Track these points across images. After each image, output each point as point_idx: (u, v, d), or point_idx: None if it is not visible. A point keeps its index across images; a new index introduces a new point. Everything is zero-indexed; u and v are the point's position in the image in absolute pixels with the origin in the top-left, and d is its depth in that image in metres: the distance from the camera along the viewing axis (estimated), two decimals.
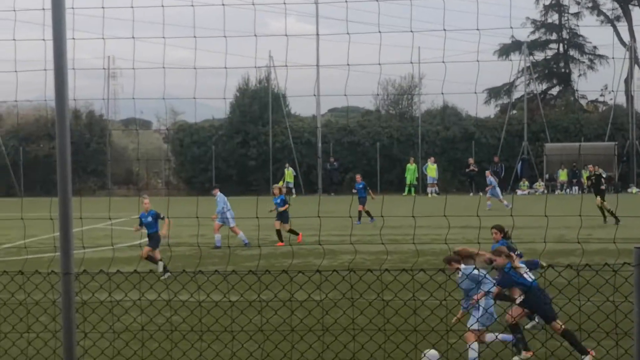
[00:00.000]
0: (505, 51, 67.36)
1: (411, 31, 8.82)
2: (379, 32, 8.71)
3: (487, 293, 11.43)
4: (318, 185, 58.64)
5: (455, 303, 9.48)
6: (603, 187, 33.20)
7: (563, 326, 11.68)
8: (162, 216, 21.46)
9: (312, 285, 9.51)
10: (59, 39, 7.35)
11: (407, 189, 56.56)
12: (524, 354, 12.02)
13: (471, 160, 56.04)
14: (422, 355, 11.38)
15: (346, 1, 8.62)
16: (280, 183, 56.04)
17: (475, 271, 11.55)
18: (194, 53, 8.94)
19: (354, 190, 35.28)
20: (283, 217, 27.75)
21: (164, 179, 63.69)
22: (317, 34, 61.79)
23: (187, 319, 10.20)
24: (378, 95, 62.90)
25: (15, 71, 9.40)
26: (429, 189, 55.86)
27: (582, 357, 11.71)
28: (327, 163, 58.91)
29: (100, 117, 64.54)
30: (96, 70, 60.66)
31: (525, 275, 12.16)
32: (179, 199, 53.86)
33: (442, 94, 66.25)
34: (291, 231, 27.23)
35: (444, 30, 8.72)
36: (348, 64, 9.44)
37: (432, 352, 11.47)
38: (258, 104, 60.33)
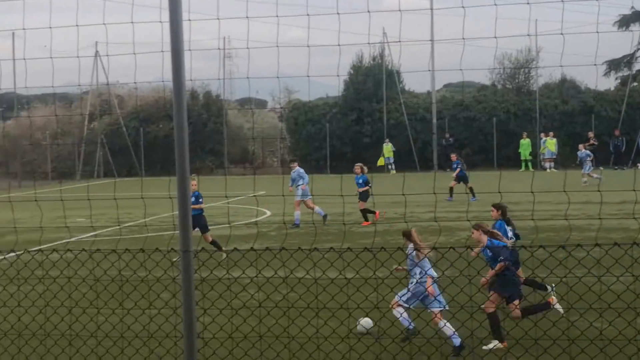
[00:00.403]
0: (625, 22, 65.26)
1: (527, 3, 8.62)
2: (495, 4, 8.54)
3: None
4: (433, 162, 58.21)
5: (576, 280, 9.27)
6: None
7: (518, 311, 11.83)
8: (201, 200, 20.62)
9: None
10: (175, 21, 7.45)
11: (523, 164, 55.65)
12: (497, 343, 11.71)
13: (591, 134, 54.63)
14: (357, 323, 11.75)
15: None
16: (381, 159, 55.84)
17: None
18: (307, 32, 8.94)
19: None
20: (363, 196, 27.45)
21: (279, 158, 64.24)
22: (432, 8, 61.23)
23: (304, 296, 10.27)
24: (495, 69, 61.90)
25: (134, 53, 9.58)
26: (547, 164, 54.82)
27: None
28: (442, 139, 58.38)
29: (216, 97, 65.48)
30: (212, 51, 61.57)
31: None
32: None
33: (561, 66, 64.86)
34: (366, 210, 26.87)
35: (562, 1, 8.50)
36: (463, 38, 9.30)
37: (366, 320, 11.80)
38: (372, 81, 60.17)
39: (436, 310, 11.61)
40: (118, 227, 20.32)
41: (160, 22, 7.89)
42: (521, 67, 61.54)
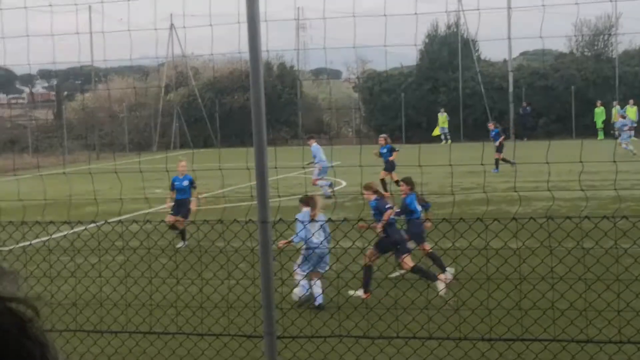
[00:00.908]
0: None
1: None
2: None
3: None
4: (510, 131, 57.47)
5: None
6: None
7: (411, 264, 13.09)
8: (195, 185, 19.66)
9: (507, 233, 9.30)
10: None
11: (599, 133, 54.66)
12: (361, 293, 12.70)
13: None
14: (291, 292, 12.03)
15: None
16: (436, 129, 55.17)
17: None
18: (388, 2, 8.83)
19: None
20: (389, 165, 27.35)
21: (354, 128, 64.14)
22: None
23: (382, 268, 10.25)
24: (574, 36, 60.71)
25: (210, 25, 9.59)
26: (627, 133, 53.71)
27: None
28: (519, 108, 57.59)
29: (291, 69, 65.58)
30: (286, 22, 61.57)
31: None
32: (370, 146, 54.15)
33: None
34: (397, 182, 26.54)
35: None
36: (543, 5, 9.09)
37: (298, 290, 12.46)
38: (447, 50, 59.56)
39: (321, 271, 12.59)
40: (196, 198, 20.41)
41: None
42: (600, 34, 60.23)
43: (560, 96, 57.63)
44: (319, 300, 12.43)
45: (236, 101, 62.13)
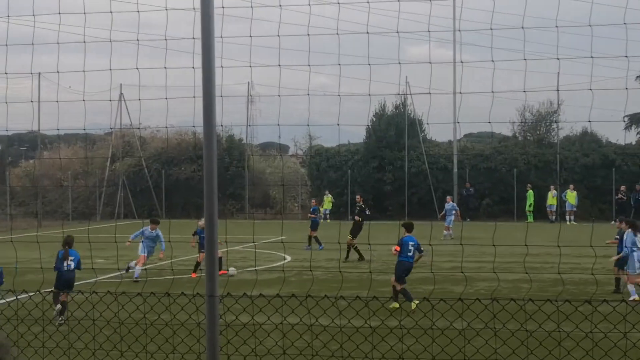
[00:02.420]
0: None
1: (557, 58, 8.68)
2: (524, 59, 8.61)
3: None
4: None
5: (601, 336, 9.19)
6: None
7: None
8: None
9: (453, 313, 9.40)
10: (208, 67, 7.54)
11: (529, 215, 55.66)
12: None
13: (623, 188, 54.41)
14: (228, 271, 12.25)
15: (491, 29, 8.55)
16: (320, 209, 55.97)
17: None
18: (332, 79, 9.03)
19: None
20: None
21: (300, 203, 64.30)
22: (461, 62, 61.18)
23: (328, 344, 10.24)
24: (514, 122, 62.09)
25: (166, 98, 9.69)
26: (567, 216, 54.61)
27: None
28: (463, 189, 58.35)
29: (239, 141, 65.81)
30: (236, 95, 61.86)
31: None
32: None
33: (589, 122, 64.97)
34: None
35: (592, 57, 8.56)
36: (492, 92, 9.37)
37: (232, 269, 12.26)
38: (394, 129, 60.35)
39: None
40: (142, 269, 20.27)
41: (194, 67, 7.98)
42: (543, 120, 61.53)
43: (503, 178, 58.58)
44: None
45: (183, 172, 62.07)
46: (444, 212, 42.45)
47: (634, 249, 20.82)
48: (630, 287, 20.88)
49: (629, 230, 21.41)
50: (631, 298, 20.17)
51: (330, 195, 58.51)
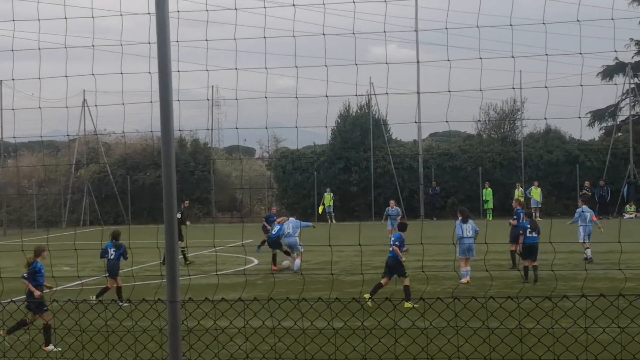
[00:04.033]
0: (608, 73, 65.78)
1: (512, 57, 8.74)
2: (480, 58, 8.66)
3: None
4: (420, 211, 58.34)
5: (562, 331, 9.27)
6: None
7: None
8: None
9: (416, 313, 9.44)
10: (164, 72, 7.48)
11: (488, 213, 56.05)
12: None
13: (587, 184, 54.85)
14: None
15: (446, 28, 8.59)
16: (321, 208, 55.81)
17: None
18: (296, 81, 9.03)
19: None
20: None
21: (267, 206, 64.23)
22: (418, 61, 61.56)
23: (291, 347, 10.23)
24: (479, 121, 62.41)
25: (123, 104, 9.64)
26: (532, 213, 54.93)
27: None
28: (429, 188, 58.59)
29: (204, 145, 65.61)
30: (199, 99, 61.76)
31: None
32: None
33: (545, 119, 65.33)
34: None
35: (546, 55, 8.63)
36: (449, 91, 9.41)
37: (285, 262, 12.47)
38: (359, 130, 60.46)
39: None
40: (104, 276, 20.18)
41: (150, 72, 7.94)
42: (506, 118, 61.93)
43: (469, 177, 58.92)
44: None
45: (148, 177, 61.78)
46: (386, 215, 41.58)
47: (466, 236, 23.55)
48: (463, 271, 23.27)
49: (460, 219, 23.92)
50: (462, 280, 23.02)
51: (331, 193, 57.98)
